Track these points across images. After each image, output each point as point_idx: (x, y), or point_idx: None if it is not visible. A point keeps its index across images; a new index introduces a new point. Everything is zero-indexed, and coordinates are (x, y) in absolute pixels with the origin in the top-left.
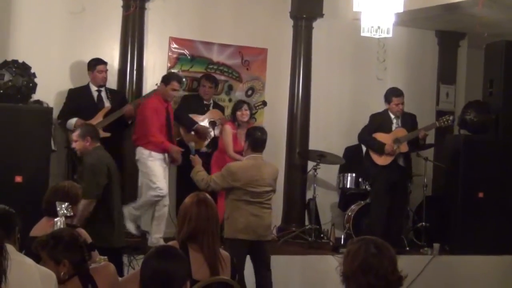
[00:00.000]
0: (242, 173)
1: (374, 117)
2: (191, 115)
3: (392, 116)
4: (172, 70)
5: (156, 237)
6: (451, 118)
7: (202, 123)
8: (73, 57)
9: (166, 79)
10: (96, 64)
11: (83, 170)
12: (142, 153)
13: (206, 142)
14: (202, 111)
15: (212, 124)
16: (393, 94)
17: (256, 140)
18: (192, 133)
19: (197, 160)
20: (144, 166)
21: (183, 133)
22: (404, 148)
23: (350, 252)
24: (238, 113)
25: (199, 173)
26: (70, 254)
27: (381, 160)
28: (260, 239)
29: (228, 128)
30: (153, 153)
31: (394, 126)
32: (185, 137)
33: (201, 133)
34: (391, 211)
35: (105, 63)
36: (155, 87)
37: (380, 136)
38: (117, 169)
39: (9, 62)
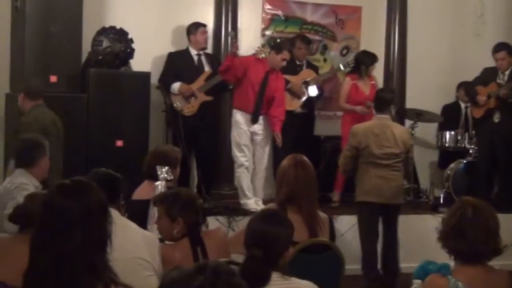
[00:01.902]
0: (363, 134)
1: (484, 71)
2: (285, 76)
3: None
4: (267, 32)
5: (254, 200)
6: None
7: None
8: (168, 21)
9: (278, 47)
10: (198, 26)
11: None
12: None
13: (301, 102)
14: (295, 71)
15: (306, 84)
16: (492, 51)
17: (379, 99)
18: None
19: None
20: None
21: None
22: None
23: (448, 213)
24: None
25: None
26: (186, 213)
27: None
28: (389, 202)
29: (347, 79)
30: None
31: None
32: None
33: (295, 92)
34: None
35: (205, 26)
36: (253, 51)
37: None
38: (60, 128)
39: (106, 29)
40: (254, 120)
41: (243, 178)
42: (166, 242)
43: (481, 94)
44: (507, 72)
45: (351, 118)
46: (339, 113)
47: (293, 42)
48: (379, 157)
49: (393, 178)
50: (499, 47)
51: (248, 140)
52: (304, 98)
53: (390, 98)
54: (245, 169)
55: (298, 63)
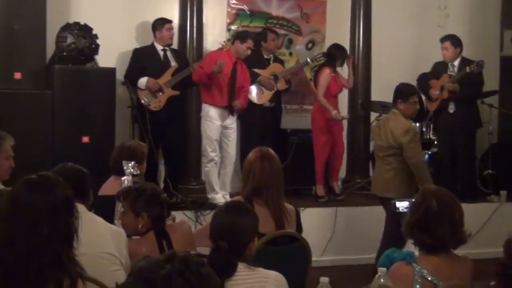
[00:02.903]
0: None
1: (435, 65)
2: (254, 70)
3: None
4: (232, 27)
5: (222, 194)
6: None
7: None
8: (133, 17)
9: (242, 37)
10: (163, 22)
11: None
12: (203, 109)
13: (270, 96)
14: (264, 65)
15: (275, 77)
16: (440, 41)
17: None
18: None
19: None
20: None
21: None
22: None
23: (412, 206)
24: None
25: None
26: (150, 208)
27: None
28: (378, 195)
29: (327, 71)
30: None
31: (448, 72)
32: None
33: (265, 86)
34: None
35: (171, 22)
36: (220, 45)
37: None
38: None
39: (71, 25)
40: (231, 112)
41: (212, 172)
42: (133, 237)
43: (434, 87)
44: (456, 63)
45: (323, 111)
46: (306, 107)
47: (264, 35)
48: (376, 150)
49: (384, 171)
50: (444, 38)
51: (219, 135)
52: (273, 92)
53: (396, 90)
54: (214, 164)
55: (266, 57)
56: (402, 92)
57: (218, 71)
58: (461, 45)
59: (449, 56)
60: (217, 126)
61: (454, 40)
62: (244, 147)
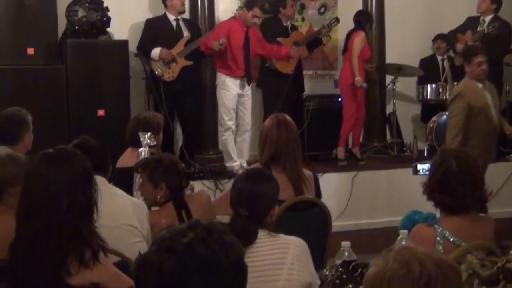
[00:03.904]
0: None
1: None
2: (278, 39)
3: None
4: None
5: (239, 162)
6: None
7: None
8: None
9: (249, 4)
10: None
11: None
12: (218, 78)
13: (295, 64)
14: (286, 33)
15: (297, 45)
16: None
17: None
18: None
19: None
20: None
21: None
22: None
23: (431, 167)
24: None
25: None
26: (168, 178)
27: None
28: None
29: (362, 35)
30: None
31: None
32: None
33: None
34: None
35: None
36: (232, 14)
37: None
38: None
39: None
40: (248, 82)
41: (229, 141)
42: (152, 208)
43: (461, 41)
44: (487, 19)
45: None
46: (320, 72)
47: (283, 1)
48: None
49: None
50: None
51: (235, 104)
52: (297, 60)
53: (467, 53)
54: (231, 132)
55: (284, 24)
56: (465, 54)
57: (218, 49)
58: (499, 3)
59: (481, 8)
60: (233, 94)
61: None
62: (266, 116)
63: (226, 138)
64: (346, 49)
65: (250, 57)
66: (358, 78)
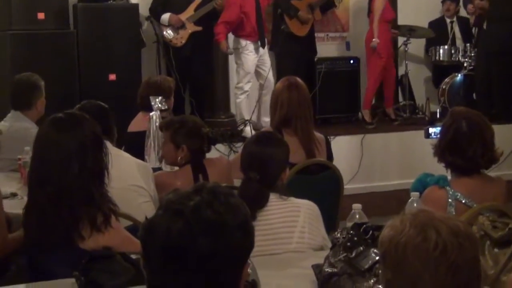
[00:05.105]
0: None
1: None
2: (292, 1)
3: None
4: None
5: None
6: None
7: None
8: None
9: None
10: None
11: None
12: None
13: (309, 27)
14: None
15: (311, 7)
16: None
17: None
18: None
19: None
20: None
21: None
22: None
23: (442, 129)
24: None
25: None
26: (191, 140)
27: None
28: None
29: None
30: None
31: None
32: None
33: (303, 18)
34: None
35: None
36: None
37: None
38: None
39: None
40: (263, 45)
41: (244, 104)
42: (168, 169)
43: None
44: None
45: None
46: (332, 34)
47: None
48: None
49: None
50: None
51: (254, 67)
52: (311, 23)
53: None
54: (247, 96)
55: None
56: None
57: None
58: None
59: None
60: (252, 58)
61: None
62: (278, 78)
63: (241, 101)
64: (369, 11)
65: (263, 18)
66: (374, 40)
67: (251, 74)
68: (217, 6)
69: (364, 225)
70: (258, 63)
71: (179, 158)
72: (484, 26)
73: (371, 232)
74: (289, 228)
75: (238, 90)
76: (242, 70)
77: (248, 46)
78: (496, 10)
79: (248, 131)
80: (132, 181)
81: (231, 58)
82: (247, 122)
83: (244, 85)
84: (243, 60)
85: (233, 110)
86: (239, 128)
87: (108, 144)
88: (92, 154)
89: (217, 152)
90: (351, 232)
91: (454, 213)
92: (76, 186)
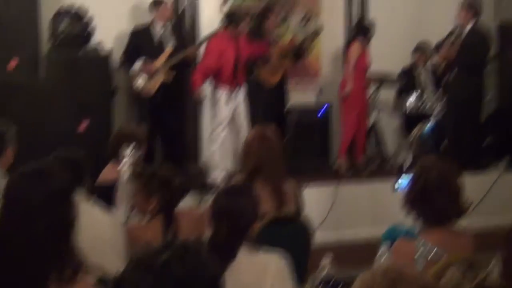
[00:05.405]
0: None
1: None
2: None
3: None
4: (227, 4)
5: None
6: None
7: None
8: None
9: (236, 19)
10: (161, 1)
11: None
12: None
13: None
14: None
15: (283, 56)
16: None
17: None
18: None
19: None
20: None
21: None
22: None
23: (411, 179)
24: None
25: None
26: (163, 191)
27: None
28: None
29: (357, 44)
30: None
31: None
32: None
33: (275, 67)
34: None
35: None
36: (217, 27)
37: None
38: None
39: (64, 9)
40: (238, 93)
41: (218, 152)
42: (140, 221)
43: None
44: (467, 28)
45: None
46: (304, 81)
47: (266, 13)
48: None
49: None
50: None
51: (231, 114)
52: (282, 71)
53: None
54: (222, 144)
55: (269, 35)
56: None
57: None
58: (476, 11)
59: (459, 18)
60: (227, 108)
61: (469, 3)
62: (249, 128)
63: (216, 149)
64: (345, 58)
65: (241, 66)
66: (348, 87)
67: (226, 122)
68: (190, 54)
69: (333, 280)
70: (233, 112)
71: (150, 208)
72: (452, 75)
73: (339, 287)
74: (259, 283)
75: (212, 138)
76: (217, 118)
77: (224, 94)
78: (463, 58)
79: (219, 180)
80: (101, 234)
81: (205, 106)
82: (218, 171)
83: (220, 134)
84: (219, 109)
85: (206, 158)
86: (210, 178)
87: (80, 196)
88: (60, 207)
89: (187, 202)
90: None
91: (423, 265)
92: (43, 241)
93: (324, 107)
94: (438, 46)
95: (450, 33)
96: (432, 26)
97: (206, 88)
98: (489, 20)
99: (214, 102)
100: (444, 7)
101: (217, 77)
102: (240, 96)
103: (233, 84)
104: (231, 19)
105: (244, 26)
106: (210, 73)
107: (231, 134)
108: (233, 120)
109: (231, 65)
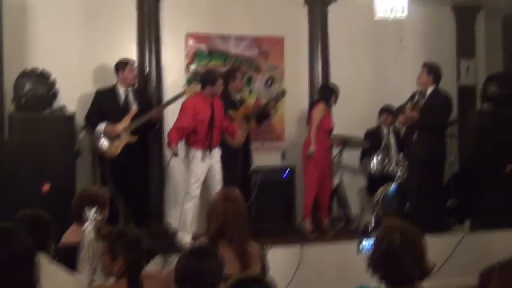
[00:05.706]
0: None
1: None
2: (229, 112)
3: None
4: (191, 66)
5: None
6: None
7: None
8: (91, 60)
9: (211, 79)
10: (126, 63)
11: None
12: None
13: (244, 137)
14: (235, 106)
15: (248, 119)
16: None
17: None
18: None
19: None
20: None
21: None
22: None
23: (375, 241)
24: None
25: None
26: (129, 252)
27: None
28: None
29: (321, 106)
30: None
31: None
32: None
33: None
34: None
35: (134, 62)
36: (182, 89)
37: None
38: None
39: (28, 71)
40: (210, 151)
41: (189, 211)
42: (103, 283)
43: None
44: (428, 91)
45: (318, 145)
46: (268, 144)
47: (233, 74)
48: None
49: None
50: (425, 62)
51: (204, 175)
52: (246, 133)
53: None
54: (195, 203)
55: (234, 97)
56: None
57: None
58: (436, 75)
59: (420, 80)
60: (201, 166)
61: (429, 67)
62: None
63: (188, 208)
64: (309, 119)
65: (217, 125)
66: (311, 148)
67: (200, 181)
68: (154, 116)
69: None
70: (208, 171)
71: (116, 270)
72: (415, 136)
73: None
74: None
75: (188, 196)
76: (191, 177)
77: (198, 154)
78: (425, 120)
79: (186, 242)
80: None
81: (171, 167)
82: (186, 231)
83: (192, 191)
84: (193, 168)
85: (171, 219)
86: (175, 239)
87: (44, 258)
88: (23, 270)
89: (151, 264)
90: None
91: None
92: None
93: (287, 171)
94: (399, 110)
95: (412, 97)
96: (393, 89)
97: (180, 147)
98: (451, 83)
99: (188, 161)
100: (405, 71)
101: (192, 136)
102: (216, 155)
103: (206, 144)
104: (207, 78)
105: (220, 86)
106: (186, 132)
107: (204, 192)
108: (207, 178)
109: (206, 124)
